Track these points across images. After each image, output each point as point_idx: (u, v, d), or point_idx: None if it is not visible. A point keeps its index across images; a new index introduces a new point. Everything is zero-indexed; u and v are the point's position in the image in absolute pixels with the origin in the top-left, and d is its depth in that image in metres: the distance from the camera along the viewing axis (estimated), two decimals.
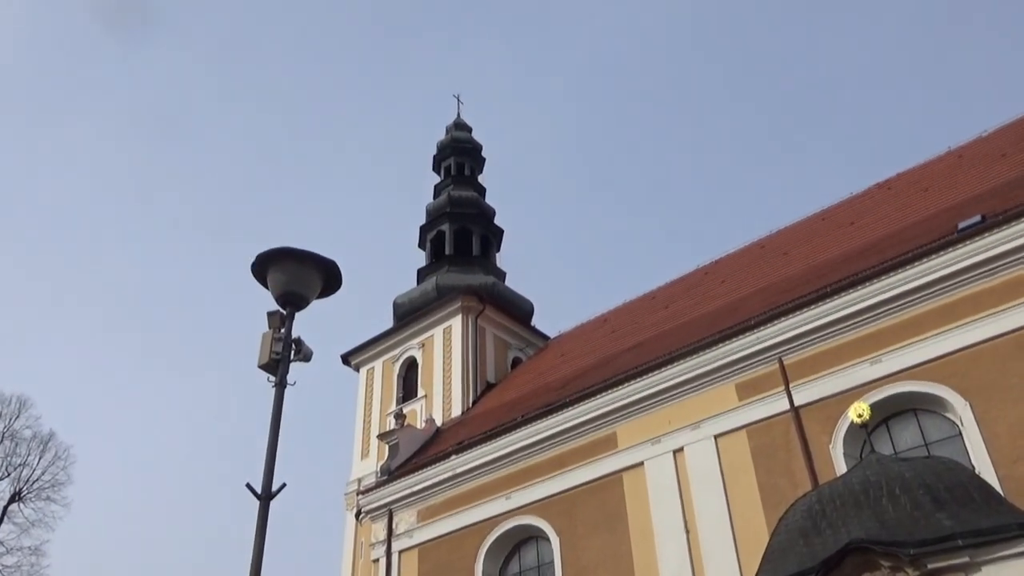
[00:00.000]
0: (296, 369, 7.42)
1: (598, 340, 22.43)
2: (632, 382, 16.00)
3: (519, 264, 60.95)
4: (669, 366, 15.58)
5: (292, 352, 7.39)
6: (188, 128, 73.95)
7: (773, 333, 14.49)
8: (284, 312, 7.50)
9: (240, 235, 69.55)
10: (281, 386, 7.22)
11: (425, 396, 24.80)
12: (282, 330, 7.42)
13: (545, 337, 27.35)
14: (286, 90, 76.37)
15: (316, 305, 7.76)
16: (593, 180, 72.38)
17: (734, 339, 14.87)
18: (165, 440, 61.00)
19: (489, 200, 32.79)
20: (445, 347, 25.15)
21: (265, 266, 7.52)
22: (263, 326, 7.48)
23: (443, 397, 24.24)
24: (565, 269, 69.55)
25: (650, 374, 15.78)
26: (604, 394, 16.33)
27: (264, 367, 7.32)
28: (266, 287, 7.63)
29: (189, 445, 61.45)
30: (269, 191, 73.80)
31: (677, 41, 70.89)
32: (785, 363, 14.30)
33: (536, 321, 29.07)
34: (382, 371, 26.61)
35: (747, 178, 66.81)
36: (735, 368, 14.85)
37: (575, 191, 72.00)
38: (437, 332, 25.70)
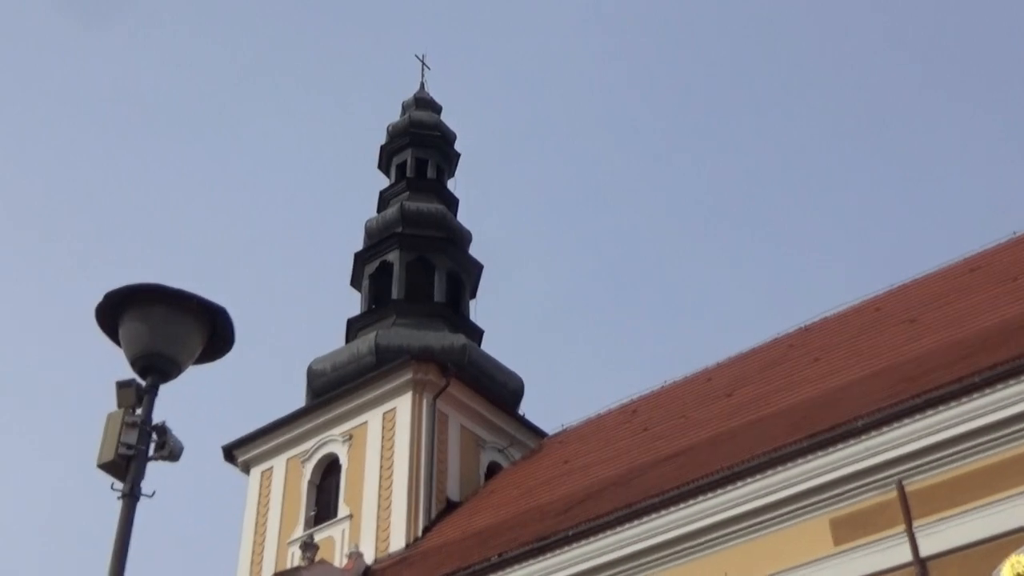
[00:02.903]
0: (159, 471, 7.46)
1: (621, 441, 22.46)
2: (672, 509, 16.01)
3: (504, 318, 61.18)
4: (729, 487, 15.62)
5: (152, 446, 7.41)
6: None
7: (891, 443, 14.59)
8: (143, 383, 7.54)
9: (88, 258, 69.50)
10: (132, 497, 7.22)
11: (350, 517, 24.69)
12: (138, 411, 7.44)
13: (540, 432, 27.41)
14: None
15: (195, 373, 7.82)
16: (621, 185, 73.24)
17: (831, 449, 14.97)
18: None
19: (464, 218, 33.13)
20: (385, 442, 25.13)
21: (117, 312, 7.56)
22: (108, 403, 7.51)
23: (378, 520, 24.14)
24: (573, 327, 69.80)
25: (700, 499, 15.80)
26: (629, 526, 16.30)
27: (107, 467, 7.32)
28: (117, 343, 7.66)
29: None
30: (126, 195, 74.08)
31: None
32: (907, 490, 14.37)
33: (527, 407, 29.11)
34: (285, 475, 26.54)
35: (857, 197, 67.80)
36: (831, 495, 14.91)
37: (591, 206, 72.81)
38: (373, 418, 25.71)
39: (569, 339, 68.60)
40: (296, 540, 24.80)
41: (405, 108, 35.60)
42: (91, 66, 77.77)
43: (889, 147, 67.08)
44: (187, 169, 76.71)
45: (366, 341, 27.81)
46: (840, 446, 14.89)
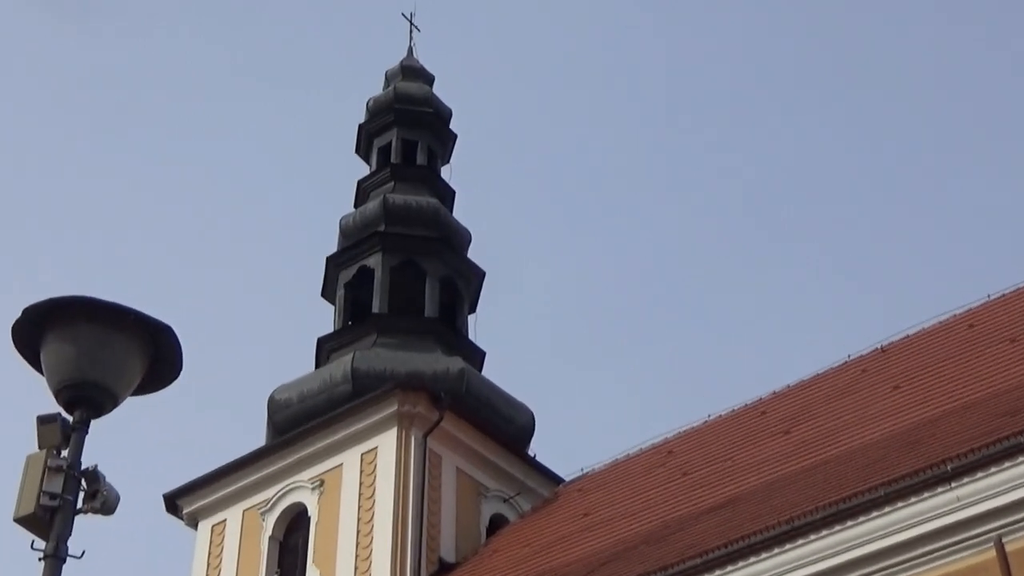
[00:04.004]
0: (89, 526, 7.44)
1: (654, 489, 22.47)
2: (720, 572, 16.03)
3: (510, 337, 61.15)
4: (787, 547, 15.63)
5: (81, 496, 7.41)
6: None
7: (988, 491, 14.57)
8: (69, 419, 7.57)
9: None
10: (56, 559, 7.22)
11: None
12: (64, 453, 7.44)
13: (554, 478, 27.42)
14: None
15: (133, 406, 7.78)
16: (656, 173, 73.36)
17: (913, 499, 14.95)
18: None
19: (461, 214, 33.14)
20: (363, 489, 25.11)
21: (38, 331, 7.63)
22: (28, 443, 7.55)
23: None
24: (595, 348, 69.77)
25: (751, 560, 15.84)
26: None
27: (25, 521, 7.34)
28: (38, 369, 7.72)
29: None
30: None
31: None
32: (1008, 549, 14.38)
33: (538, 447, 29.04)
34: (241, 529, 26.53)
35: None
36: (913, 556, 14.92)
37: (619, 199, 72.89)
38: (349, 460, 25.70)
39: (591, 363, 68.36)
40: None
41: (389, 79, 35.63)
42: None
43: (988, 148, 67.09)
44: (119, 150, 76.69)
45: (340, 365, 27.79)
46: (925, 495, 14.87)
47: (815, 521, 15.52)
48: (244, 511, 26.67)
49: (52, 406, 7.61)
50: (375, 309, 29.56)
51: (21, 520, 7.32)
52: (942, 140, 69.00)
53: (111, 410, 7.71)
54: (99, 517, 7.53)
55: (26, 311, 7.58)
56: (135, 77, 76.84)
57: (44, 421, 7.52)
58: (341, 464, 25.76)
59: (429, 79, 35.79)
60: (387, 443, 25.40)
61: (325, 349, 29.69)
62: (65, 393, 7.58)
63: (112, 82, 74.12)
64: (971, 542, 14.63)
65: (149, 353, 7.77)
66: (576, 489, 25.84)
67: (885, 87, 68.26)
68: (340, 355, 28.71)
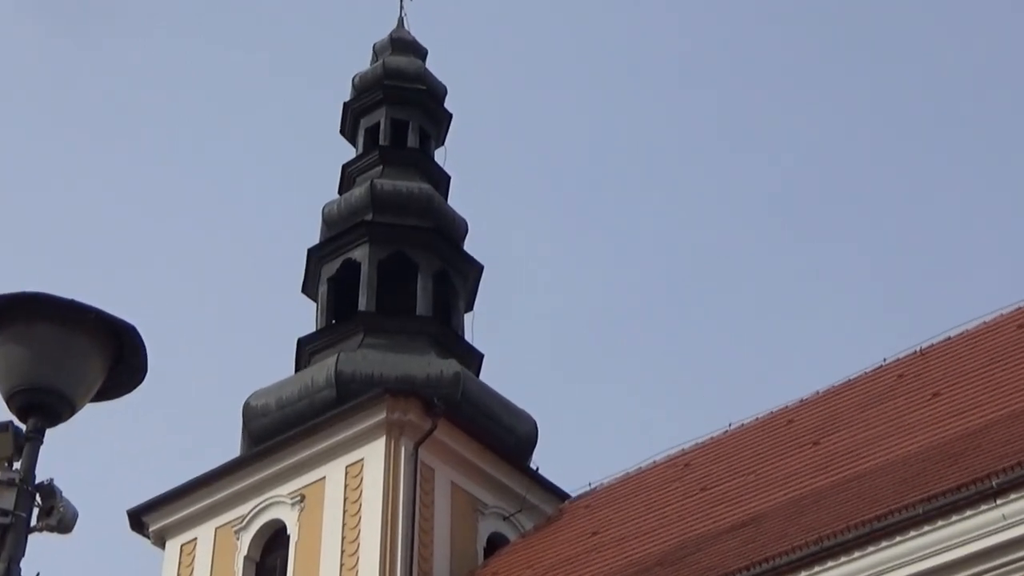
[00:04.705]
0: (45, 546, 7.45)
1: (669, 505, 22.53)
2: None
3: (511, 338, 61.13)
4: (816, 568, 15.70)
5: (35, 512, 7.39)
6: None
7: None
8: (22, 427, 7.53)
9: None
10: None
11: None
12: (16, 465, 7.43)
13: (560, 493, 27.51)
14: None
15: (93, 413, 7.81)
16: (673, 157, 73.30)
17: (955, 517, 15.01)
18: None
19: (457, 202, 33.21)
20: (348, 505, 25.21)
21: None
22: None
23: None
24: (605, 351, 69.79)
25: None
26: None
27: None
28: None
29: None
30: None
31: None
32: None
33: (541, 459, 29.13)
34: (213, 549, 26.62)
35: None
36: None
37: (632, 185, 72.86)
38: (333, 473, 25.79)
39: (600, 367, 68.19)
40: None
41: (377, 52, 35.67)
42: None
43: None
44: (72, 131, 76.64)
45: (323, 368, 27.84)
46: (968, 513, 14.93)
47: (847, 541, 15.58)
48: (217, 529, 26.72)
49: (3, 414, 7.56)
50: (361, 307, 29.59)
51: None
52: (991, 130, 68.99)
53: (69, 418, 7.64)
54: (55, 536, 7.45)
55: None
56: (101, 60, 76.86)
57: None
58: (324, 477, 25.83)
59: (421, 53, 35.83)
60: (374, 454, 25.45)
61: (306, 351, 29.73)
62: (18, 399, 7.51)
63: (76, 65, 74.06)
64: (1019, 564, 14.66)
65: (111, 355, 7.69)
66: (583, 506, 25.89)
67: (924, 78, 68.22)
68: (323, 357, 28.75)
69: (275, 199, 68.49)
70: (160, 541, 27.58)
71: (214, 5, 76.49)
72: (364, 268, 30.08)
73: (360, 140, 33.92)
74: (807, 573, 15.79)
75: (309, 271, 31.40)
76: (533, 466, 28.27)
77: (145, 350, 7.86)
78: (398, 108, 33.91)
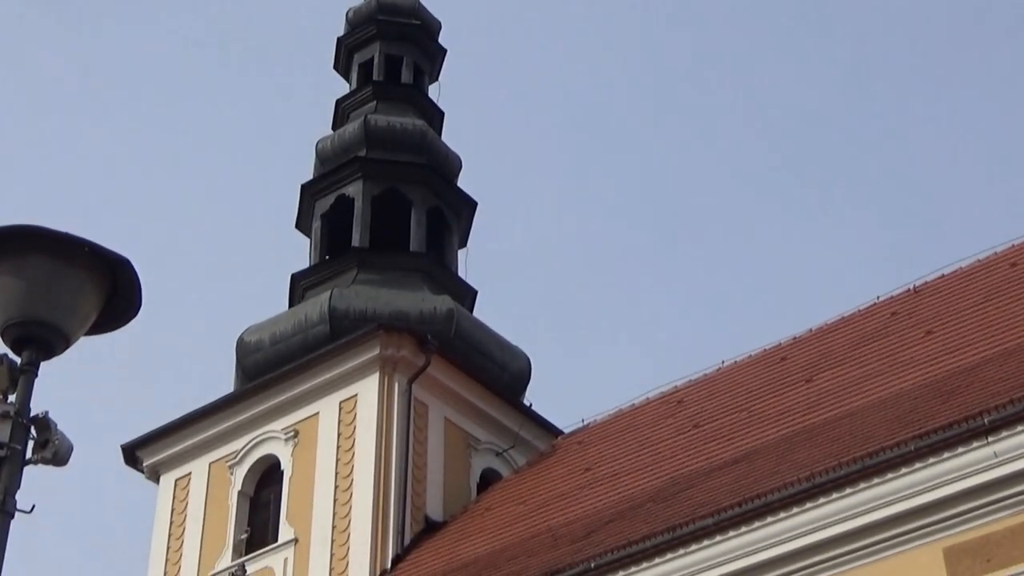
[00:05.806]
0: (40, 479, 7.47)
1: (662, 442, 22.56)
2: (730, 535, 16.13)
3: (505, 274, 61.06)
4: (808, 506, 15.69)
5: (30, 445, 7.40)
6: None
7: None
8: (17, 360, 7.54)
9: None
10: (4, 514, 7.23)
11: (296, 541, 24.80)
12: (11, 398, 7.44)
13: (553, 429, 27.54)
14: None
15: (88, 346, 7.80)
16: (670, 93, 73.06)
17: (946, 454, 14.99)
18: None
19: (451, 138, 33.14)
20: (342, 441, 25.25)
21: None
22: None
23: (332, 546, 24.25)
24: (598, 286, 69.90)
25: (767, 520, 15.90)
26: (672, 556, 16.44)
27: None
28: None
29: None
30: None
31: None
32: None
33: (535, 395, 29.21)
34: (207, 484, 26.68)
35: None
36: (945, 516, 14.97)
37: (629, 118, 72.67)
38: (326, 409, 25.81)
39: (593, 304, 68.29)
40: (222, 572, 24.86)
41: None
42: None
43: None
44: (69, 67, 76.29)
45: (317, 304, 27.81)
46: (960, 450, 14.91)
47: (839, 478, 15.58)
48: (210, 464, 26.78)
49: None
50: (355, 243, 29.55)
51: None
52: (986, 64, 68.73)
53: (63, 351, 7.65)
54: (50, 468, 7.49)
55: None
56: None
57: None
58: (317, 413, 25.85)
59: None
60: (368, 390, 25.49)
61: (300, 286, 29.71)
62: (12, 332, 7.52)
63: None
64: (1009, 501, 14.64)
65: (105, 289, 7.69)
66: (576, 442, 25.88)
67: (917, 8, 67.83)
68: (316, 293, 28.72)
69: (269, 135, 68.22)
70: (154, 476, 27.66)
71: None
72: (358, 204, 30.01)
73: (354, 75, 33.72)
74: (799, 509, 15.76)
75: (303, 207, 31.33)
76: (526, 402, 28.34)
77: (139, 284, 7.86)
78: (392, 43, 33.69)
